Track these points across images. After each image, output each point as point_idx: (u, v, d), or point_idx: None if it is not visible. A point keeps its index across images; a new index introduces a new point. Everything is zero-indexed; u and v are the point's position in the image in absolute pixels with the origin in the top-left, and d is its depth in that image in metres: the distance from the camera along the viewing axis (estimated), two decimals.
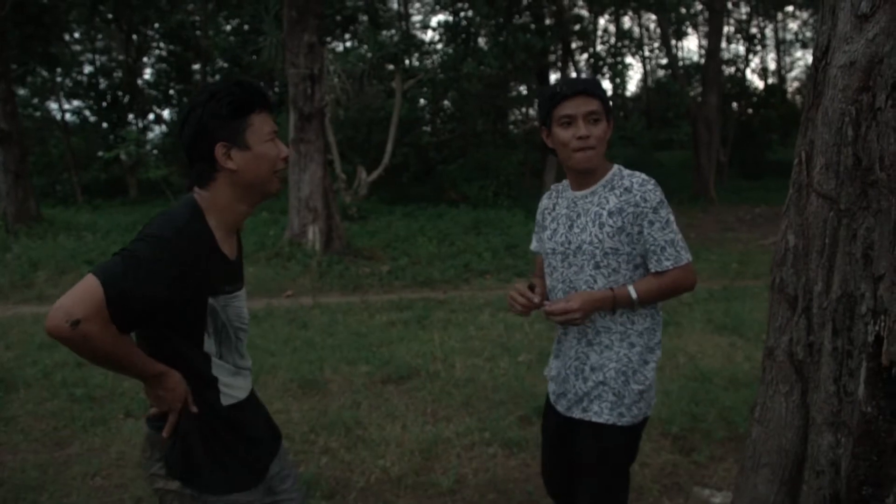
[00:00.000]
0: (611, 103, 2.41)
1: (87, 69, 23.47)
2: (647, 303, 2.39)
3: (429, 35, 30.92)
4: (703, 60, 22.61)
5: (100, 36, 24.41)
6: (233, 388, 2.04)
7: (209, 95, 1.89)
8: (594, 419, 2.40)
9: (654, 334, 2.46)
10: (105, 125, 22.23)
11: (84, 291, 1.69)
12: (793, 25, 34.08)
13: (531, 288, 2.45)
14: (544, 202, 2.63)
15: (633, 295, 2.33)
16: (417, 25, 34.62)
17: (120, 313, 1.72)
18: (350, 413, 4.89)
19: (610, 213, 2.33)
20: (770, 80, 31.26)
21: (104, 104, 21.77)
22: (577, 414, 2.45)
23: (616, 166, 2.43)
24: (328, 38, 20.05)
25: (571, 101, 2.32)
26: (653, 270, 2.35)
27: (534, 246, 2.69)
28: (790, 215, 2.36)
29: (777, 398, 2.41)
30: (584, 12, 20.88)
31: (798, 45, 31.44)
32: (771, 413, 2.43)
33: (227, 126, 1.88)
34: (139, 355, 1.86)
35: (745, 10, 28.11)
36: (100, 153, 20.66)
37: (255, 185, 1.95)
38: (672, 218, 2.33)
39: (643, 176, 2.36)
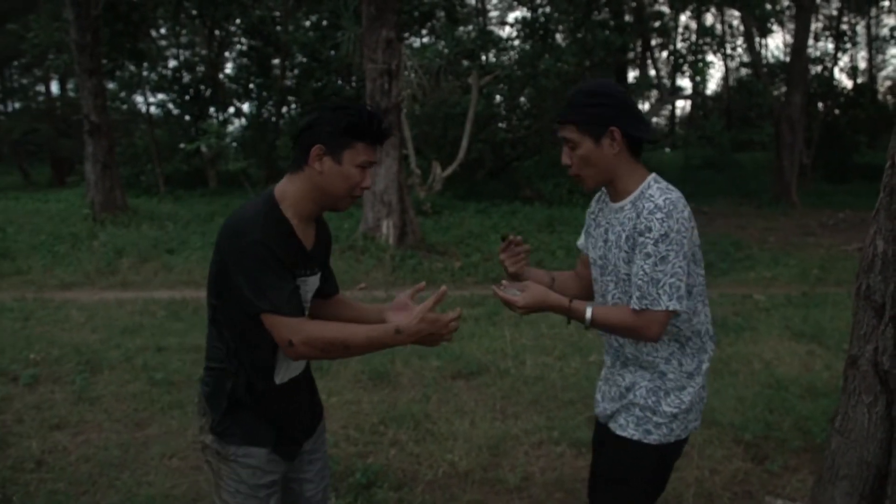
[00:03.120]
0: (603, 112, 2.17)
1: (172, 64, 24.10)
2: (600, 329, 2.24)
3: (506, 31, 30.82)
4: (788, 58, 21.94)
5: (184, 31, 25.11)
6: (289, 368, 2.22)
7: (341, 107, 2.10)
8: (619, 432, 2.31)
9: (687, 360, 2.29)
10: (187, 118, 22.81)
11: (273, 328, 2.01)
12: (888, 21, 32.78)
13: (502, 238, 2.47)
14: (593, 205, 2.53)
15: (587, 316, 2.17)
16: (494, 21, 34.66)
17: (295, 309, 2.02)
18: (419, 407, 4.93)
19: (627, 238, 2.20)
20: (860, 80, 30.06)
21: (187, 97, 22.33)
22: (610, 424, 2.39)
23: (649, 179, 2.23)
24: (405, 34, 20.19)
25: (560, 127, 2.25)
26: (631, 306, 2.16)
27: (580, 243, 2.57)
28: (880, 220, 2.28)
29: (860, 409, 2.33)
30: (665, 8, 20.49)
31: (892, 42, 30.15)
32: (853, 424, 2.36)
33: (335, 137, 2.07)
34: (358, 326, 2.05)
35: (835, 5, 27.16)
36: (182, 145, 21.22)
37: (328, 194, 2.13)
38: (672, 256, 2.09)
39: (659, 200, 2.12)
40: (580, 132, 2.18)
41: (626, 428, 2.29)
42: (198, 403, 2.27)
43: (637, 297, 2.12)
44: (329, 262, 2.40)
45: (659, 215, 2.09)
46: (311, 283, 2.23)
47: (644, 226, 2.11)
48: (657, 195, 2.14)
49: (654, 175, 2.24)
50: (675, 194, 2.15)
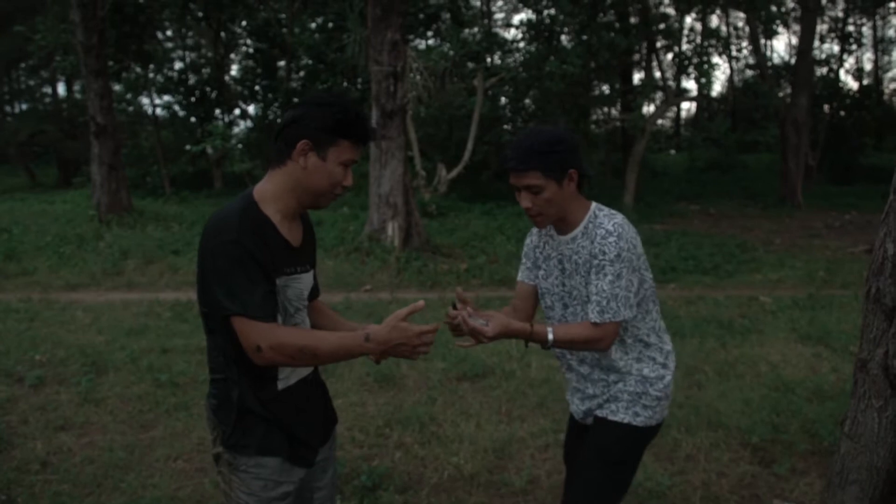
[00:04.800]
0: (565, 157, 2.34)
1: (178, 65, 24.17)
2: (561, 347, 2.41)
3: (511, 33, 30.83)
4: (793, 60, 21.88)
5: (190, 33, 25.18)
6: (294, 370, 2.16)
7: (328, 103, 2.07)
8: (610, 417, 2.50)
9: (655, 354, 2.52)
10: (193, 120, 22.85)
11: (242, 332, 1.95)
12: (895, 22, 32.64)
13: (454, 305, 2.33)
14: (533, 240, 2.66)
15: (550, 337, 2.34)
16: (500, 23, 34.64)
17: (267, 313, 1.96)
18: (425, 409, 4.92)
19: (584, 263, 2.41)
20: (865, 81, 29.97)
21: (192, 99, 22.37)
22: (597, 413, 2.55)
23: (592, 208, 2.44)
24: (411, 36, 20.19)
25: (513, 174, 2.37)
26: (591, 320, 2.35)
27: (520, 276, 2.70)
28: (889, 223, 2.26)
29: (869, 413, 2.32)
30: (671, 10, 20.44)
31: None
32: (862, 428, 2.34)
33: (321, 134, 2.04)
34: (328, 333, 2.06)
35: (841, 7, 27.09)
36: (187, 147, 21.25)
37: (310, 190, 2.10)
38: (625, 272, 2.33)
39: (608, 226, 2.35)
40: (545, 177, 2.34)
41: (616, 413, 2.49)
42: (207, 418, 2.21)
43: (598, 311, 2.34)
44: (315, 263, 2.36)
45: (611, 239, 2.33)
46: (305, 281, 2.19)
47: (599, 249, 2.34)
48: (606, 221, 2.37)
49: (595, 204, 2.47)
50: (620, 217, 2.40)
